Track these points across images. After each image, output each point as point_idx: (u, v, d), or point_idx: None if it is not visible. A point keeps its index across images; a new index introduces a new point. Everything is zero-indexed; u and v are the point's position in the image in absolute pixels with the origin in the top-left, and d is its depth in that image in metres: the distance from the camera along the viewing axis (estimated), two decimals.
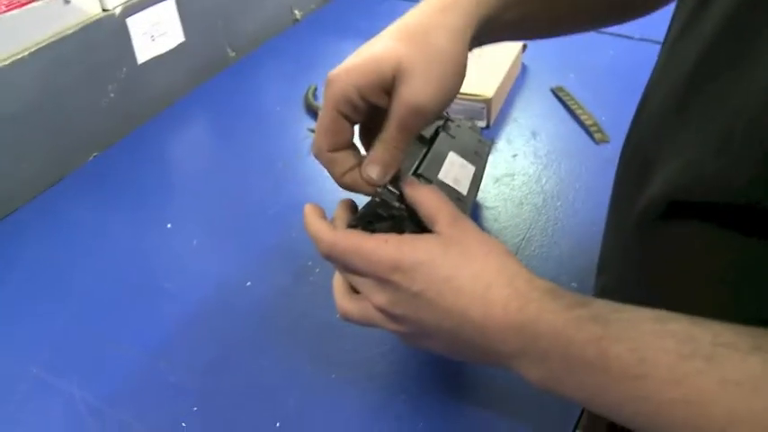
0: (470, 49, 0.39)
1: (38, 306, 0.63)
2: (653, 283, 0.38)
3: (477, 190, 0.55)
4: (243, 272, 0.65)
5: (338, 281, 0.42)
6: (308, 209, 0.41)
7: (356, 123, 0.40)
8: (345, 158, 0.40)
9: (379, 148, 0.38)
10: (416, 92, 0.35)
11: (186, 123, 0.93)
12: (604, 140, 0.80)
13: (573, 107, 0.87)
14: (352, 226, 0.39)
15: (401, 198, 0.39)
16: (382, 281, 0.36)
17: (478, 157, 0.57)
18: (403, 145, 0.39)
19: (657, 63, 0.42)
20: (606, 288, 0.47)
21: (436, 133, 0.55)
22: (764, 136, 0.27)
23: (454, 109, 0.84)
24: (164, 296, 0.63)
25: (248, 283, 0.64)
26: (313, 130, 0.89)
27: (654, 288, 0.38)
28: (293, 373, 0.54)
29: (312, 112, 0.92)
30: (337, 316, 0.41)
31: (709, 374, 0.25)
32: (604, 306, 0.32)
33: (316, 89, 0.95)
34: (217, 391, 0.52)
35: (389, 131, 0.37)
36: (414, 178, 0.41)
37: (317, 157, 0.40)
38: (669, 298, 0.32)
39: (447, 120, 0.59)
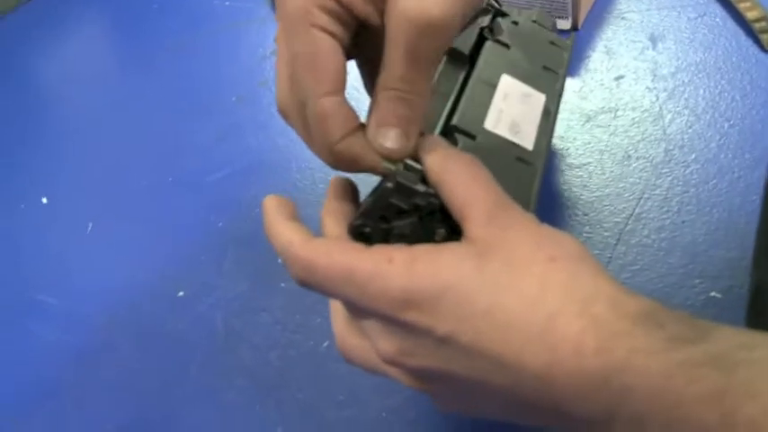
0: None
1: None
2: None
3: (552, 134, 0.55)
4: (170, 275, 0.66)
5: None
6: (270, 204, 0.41)
7: (345, 44, 0.41)
8: (341, 111, 0.40)
9: (386, 96, 0.39)
10: None
11: (70, 25, 0.94)
12: None
13: None
14: (356, 228, 0.40)
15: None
16: (390, 321, 0.37)
17: (551, 75, 0.56)
18: (423, 84, 0.38)
19: None
20: (762, 285, 0.49)
21: (479, 42, 0.54)
22: None
23: (519, 1, 0.84)
24: (39, 315, 0.64)
25: (180, 293, 0.65)
26: None
27: None
28: None
29: None
30: (336, 350, 0.43)
31: None
32: (728, 338, 0.31)
33: None
34: None
35: (395, 67, 0.37)
36: (438, 139, 0.41)
37: (289, 112, 0.41)
38: None
39: (495, 13, 0.58)
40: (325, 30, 0.37)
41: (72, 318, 0.65)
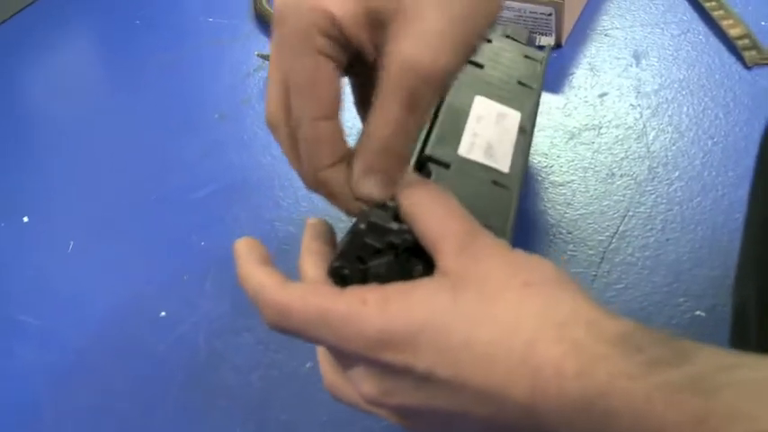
0: None
1: None
2: None
3: (529, 151, 0.55)
4: (152, 294, 0.66)
5: None
6: (242, 247, 0.41)
7: (342, 68, 0.41)
8: (334, 137, 0.39)
9: (375, 146, 0.38)
10: (425, 43, 0.35)
11: (53, 41, 0.94)
12: (762, 62, 0.79)
13: (708, 5, 0.86)
14: (335, 271, 0.40)
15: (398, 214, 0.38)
16: (369, 362, 0.37)
17: (527, 90, 0.56)
18: (415, 131, 0.39)
19: None
20: (746, 305, 0.49)
21: None
22: None
23: (503, 17, 0.85)
24: (19, 335, 0.64)
25: (162, 313, 0.65)
26: (267, 57, 0.90)
27: None
28: None
29: (267, 24, 0.92)
30: (319, 371, 0.42)
31: None
32: (708, 360, 0.32)
33: None
34: None
35: (389, 111, 0.37)
36: (410, 174, 0.41)
37: (278, 128, 0.41)
38: None
39: None
40: (325, 54, 0.38)
41: (52, 338, 0.65)
